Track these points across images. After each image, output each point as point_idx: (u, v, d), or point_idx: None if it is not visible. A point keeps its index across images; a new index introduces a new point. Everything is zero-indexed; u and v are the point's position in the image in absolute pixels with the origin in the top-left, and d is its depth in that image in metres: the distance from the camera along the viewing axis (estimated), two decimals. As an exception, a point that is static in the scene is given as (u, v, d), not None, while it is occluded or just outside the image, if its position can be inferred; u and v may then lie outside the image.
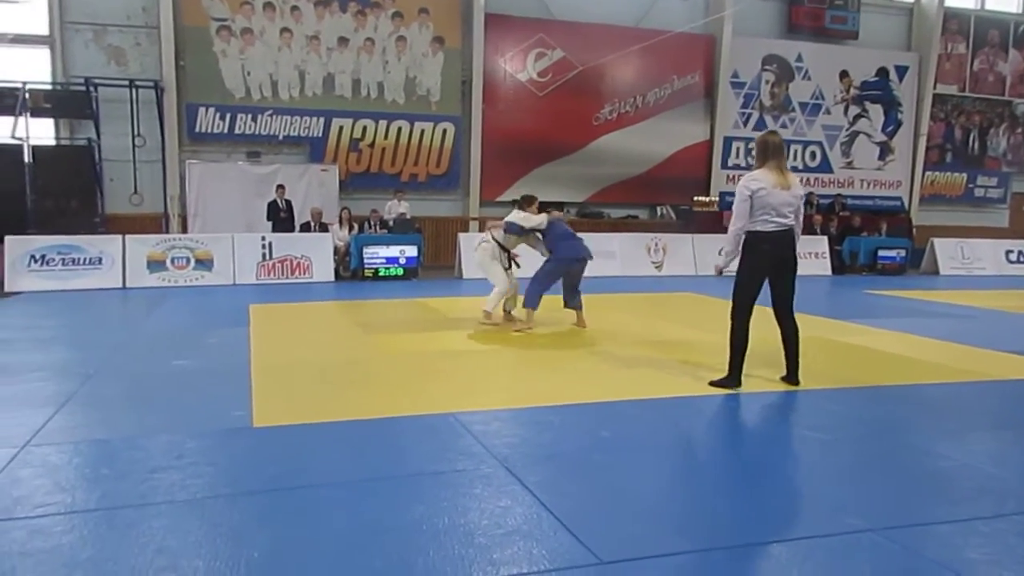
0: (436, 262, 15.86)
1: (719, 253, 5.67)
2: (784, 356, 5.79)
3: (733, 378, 5.65)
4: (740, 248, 5.57)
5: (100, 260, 12.49)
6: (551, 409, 4.95)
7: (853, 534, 3.11)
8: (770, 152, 5.45)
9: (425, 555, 2.85)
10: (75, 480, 3.65)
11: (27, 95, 13.95)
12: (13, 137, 13.88)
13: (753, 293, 5.61)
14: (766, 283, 5.67)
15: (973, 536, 3.16)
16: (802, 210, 5.60)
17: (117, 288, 12.29)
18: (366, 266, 13.58)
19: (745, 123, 19.27)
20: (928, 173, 21.00)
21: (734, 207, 5.51)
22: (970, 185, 21.60)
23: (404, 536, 3.01)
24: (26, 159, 14.07)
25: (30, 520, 3.14)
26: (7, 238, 12.19)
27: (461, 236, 14.98)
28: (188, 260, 12.88)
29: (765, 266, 5.53)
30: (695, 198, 17.93)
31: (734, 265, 5.76)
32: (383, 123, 16.59)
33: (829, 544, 3.03)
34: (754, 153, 5.61)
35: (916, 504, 3.51)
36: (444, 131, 17.00)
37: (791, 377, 5.76)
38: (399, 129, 16.69)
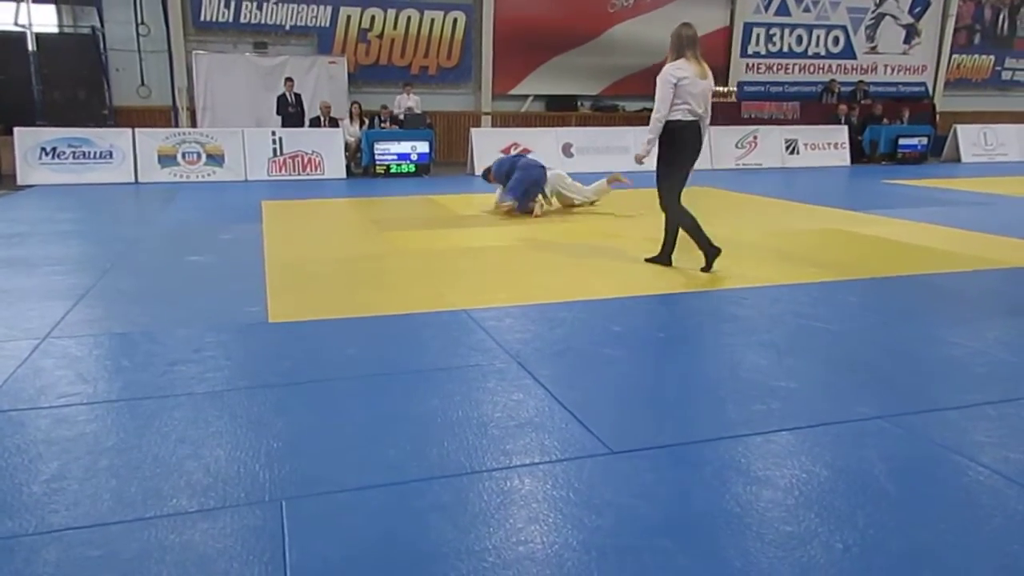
0: (448, 158, 15.67)
1: (646, 143, 5.76)
2: (663, 241, 6.07)
3: (712, 248, 5.85)
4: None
5: (111, 154, 12.43)
6: (563, 305, 4.97)
7: (861, 421, 3.15)
8: (685, 44, 5.62)
9: (439, 445, 2.91)
10: (96, 371, 3.73)
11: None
12: (16, 24, 13.54)
13: (679, 182, 5.82)
14: None
15: (981, 420, 3.20)
16: (711, 101, 5.77)
17: (129, 183, 12.27)
18: (378, 162, 13.45)
19: (767, 7, 18.50)
20: (955, 56, 20.25)
21: (658, 94, 5.60)
22: (997, 68, 20.87)
23: (418, 427, 3.08)
24: (30, 47, 13.75)
25: (54, 409, 3.23)
26: (16, 130, 12.10)
27: (474, 131, 14.74)
28: (199, 155, 12.80)
29: (687, 155, 5.72)
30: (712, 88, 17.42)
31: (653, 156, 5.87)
32: (392, 12, 16.06)
33: (837, 431, 3.07)
34: (669, 46, 5.75)
35: (926, 391, 3.54)
36: (455, 20, 16.45)
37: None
38: (408, 18, 16.17)
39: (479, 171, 13.06)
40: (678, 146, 5.67)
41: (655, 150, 5.79)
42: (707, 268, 5.88)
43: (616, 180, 9.24)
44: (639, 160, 5.95)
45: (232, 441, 2.94)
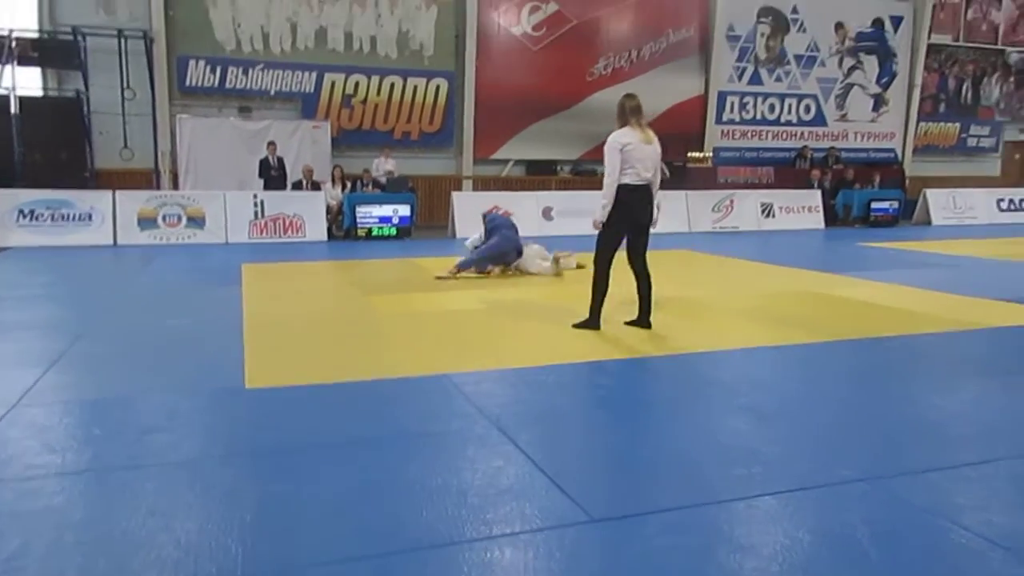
0: (430, 221, 15.76)
1: (601, 208, 5.91)
2: (638, 303, 6.14)
3: (593, 320, 6.04)
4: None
5: (90, 216, 12.39)
6: (542, 369, 4.95)
7: (843, 485, 3.13)
8: (629, 112, 5.81)
9: (419, 515, 2.85)
10: (65, 441, 3.65)
11: (13, 43, 13.65)
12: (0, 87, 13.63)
13: (615, 243, 5.96)
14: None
15: (962, 482, 3.20)
16: (660, 166, 5.95)
17: (108, 245, 12.21)
18: (359, 225, 13.51)
19: (740, 77, 19.05)
20: (922, 124, 20.89)
21: (607, 161, 5.79)
22: (963, 135, 21.51)
23: (398, 496, 3.02)
24: (13, 110, 13.83)
25: (20, 482, 3.13)
26: None
27: (455, 195, 14.89)
28: (180, 217, 12.80)
29: (627, 218, 5.86)
30: (689, 154, 17.80)
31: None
32: (376, 78, 16.34)
33: (819, 495, 3.05)
34: (615, 115, 5.92)
35: (906, 453, 3.53)
36: (437, 87, 16.77)
37: (643, 320, 6.11)
38: (392, 85, 16.46)
39: (460, 234, 13.27)
40: (620, 209, 5.82)
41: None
42: (578, 325, 6.07)
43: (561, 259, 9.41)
44: (596, 226, 6.02)
45: (204, 513, 2.86)
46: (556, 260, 9.28)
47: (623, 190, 5.77)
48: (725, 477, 3.23)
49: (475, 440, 3.66)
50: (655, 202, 5.98)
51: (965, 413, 4.12)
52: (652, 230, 6.09)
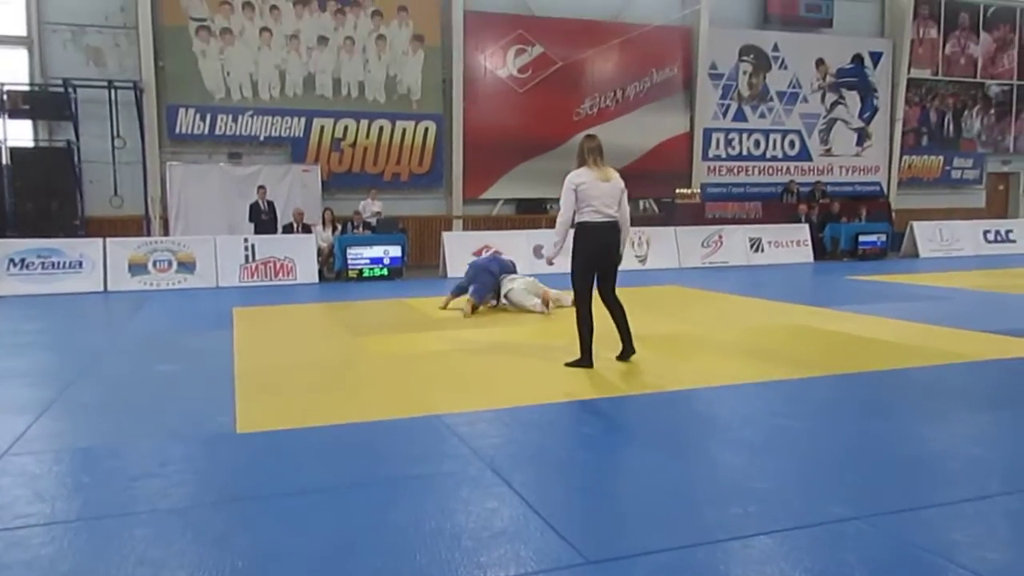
0: (421, 261, 15.81)
1: (552, 245, 6.22)
2: (618, 335, 6.22)
3: (585, 359, 6.08)
4: (566, 239, 6.12)
5: (80, 264, 12.38)
6: (535, 408, 4.95)
7: (838, 523, 3.12)
8: (586, 153, 5.99)
9: (412, 560, 2.83)
10: (55, 489, 3.61)
11: (5, 96, 13.81)
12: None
13: (588, 280, 6.07)
14: None
15: (958, 519, 3.19)
16: (626, 203, 6.09)
17: (98, 292, 12.19)
18: (350, 267, 13.53)
19: (724, 114, 19.34)
20: (905, 157, 21.19)
21: (561, 201, 6.01)
22: (947, 167, 21.81)
23: (391, 541, 3.00)
24: (4, 161, 13.96)
25: (8, 532, 3.10)
26: None
27: (445, 235, 14.96)
28: (170, 263, 12.80)
29: (592, 253, 5.99)
30: (677, 190, 17.97)
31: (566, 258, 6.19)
32: (364, 122, 16.52)
33: (814, 534, 3.04)
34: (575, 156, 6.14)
35: (901, 489, 3.52)
36: (426, 129, 16.95)
37: (625, 350, 6.21)
38: (380, 128, 16.62)
39: (451, 273, 13.38)
40: (581, 245, 5.98)
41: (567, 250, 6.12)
42: (571, 364, 6.12)
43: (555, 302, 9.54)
44: (549, 262, 6.33)
45: (195, 561, 2.83)
46: (546, 303, 9.33)
47: (585, 228, 5.95)
48: (720, 516, 3.22)
49: (468, 481, 3.64)
50: (622, 238, 6.10)
51: (958, 447, 4.12)
52: (621, 266, 6.19)
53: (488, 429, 4.49)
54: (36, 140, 14.74)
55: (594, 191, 5.90)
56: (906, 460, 3.95)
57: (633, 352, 6.21)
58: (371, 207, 15.25)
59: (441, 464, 3.89)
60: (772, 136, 19.81)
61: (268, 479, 3.71)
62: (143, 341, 7.88)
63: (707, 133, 19.16)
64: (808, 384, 5.56)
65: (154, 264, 12.71)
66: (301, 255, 13.54)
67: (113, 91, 14.58)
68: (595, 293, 6.12)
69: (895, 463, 3.90)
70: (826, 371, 5.93)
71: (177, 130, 15.30)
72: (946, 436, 4.31)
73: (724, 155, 19.38)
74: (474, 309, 9.21)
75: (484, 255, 10.61)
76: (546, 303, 9.31)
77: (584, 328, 6.09)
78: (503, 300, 9.54)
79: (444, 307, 9.59)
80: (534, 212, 17.72)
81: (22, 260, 12.11)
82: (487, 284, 9.46)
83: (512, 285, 9.49)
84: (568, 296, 9.59)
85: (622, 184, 6.06)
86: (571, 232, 6.09)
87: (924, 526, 3.12)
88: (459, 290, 9.63)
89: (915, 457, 4.01)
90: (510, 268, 9.98)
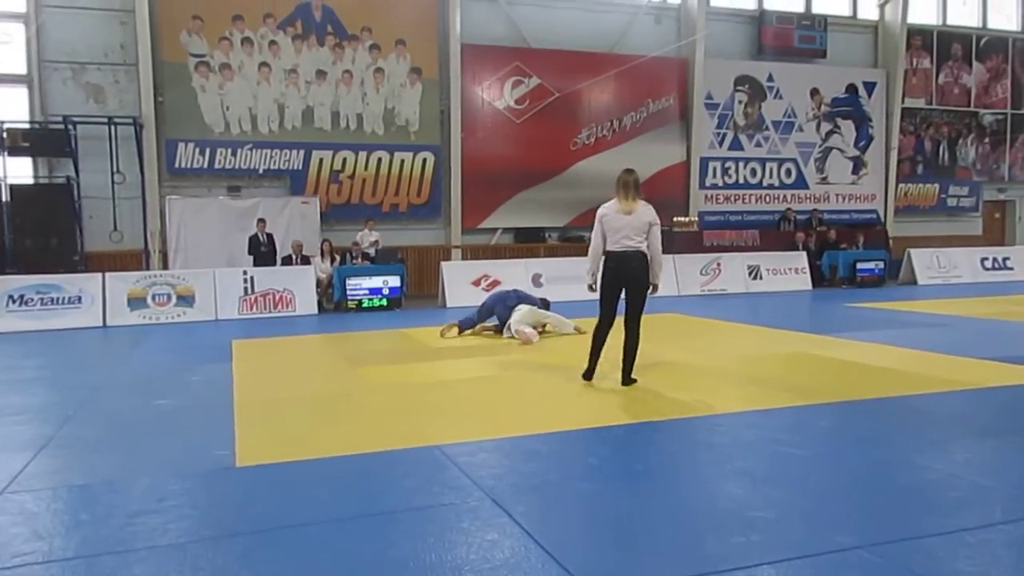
0: (420, 291, 15.84)
1: (587, 273, 6.63)
2: (621, 359, 6.47)
3: (589, 371, 6.59)
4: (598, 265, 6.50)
5: (79, 299, 12.38)
6: (536, 437, 4.93)
7: (841, 552, 3.10)
8: (618, 187, 6.42)
9: (412, 592, 2.81)
10: (53, 527, 3.59)
11: (5, 134, 13.89)
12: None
13: (606, 303, 6.47)
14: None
15: (961, 547, 3.17)
16: (655, 234, 6.39)
17: (97, 327, 12.18)
18: (349, 297, 13.54)
19: (721, 143, 19.49)
20: (901, 185, 21.32)
21: (593, 231, 6.53)
22: (942, 195, 21.92)
23: (391, 574, 2.97)
24: (3, 198, 14.02)
25: (7, 571, 3.08)
26: None
27: (444, 265, 15.00)
28: (169, 296, 12.80)
29: (612, 280, 6.38)
30: (675, 218, 18.04)
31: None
32: (363, 154, 16.63)
33: (818, 563, 3.02)
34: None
35: (903, 518, 3.51)
36: (424, 160, 17.06)
37: (624, 373, 6.46)
38: (379, 160, 16.73)
39: (451, 303, 13.46)
40: (603, 271, 6.43)
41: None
42: (586, 377, 6.58)
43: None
44: (590, 288, 6.60)
45: (195, 597, 2.81)
46: (521, 335, 9.42)
47: (607, 256, 6.37)
48: (723, 545, 3.20)
49: (469, 513, 3.62)
50: (650, 266, 6.37)
51: (960, 475, 4.10)
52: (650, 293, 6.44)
53: (488, 459, 4.48)
54: (36, 177, 14.82)
55: (616, 223, 6.30)
56: (908, 488, 3.94)
57: (630, 381, 6.40)
58: (368, 237, 15.31)
59: (441, 495, 3.87)
60: (768, 164, 19.94)
61: (267, 513, 3.69)
62: (142, 376, 7.87)
63: (704, 162, 19.29)
64: (809, 412, 5.55)
65: (153, 298, 12.71)
66: (300, 286, 13.56)
67: (113, 127, 14.69)
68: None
69: (897, 491, 3.88)
70: (827, 399, 5.92)
71: (176, 164, 15.39)
72: (948, 464, 4.30)
73: (721, 183, 19.51)
74: (460, 331, 9.81)
75: (498, 289, 10.95)
76: (536, 331, 9.48)
77: (592, 344, 6.53)
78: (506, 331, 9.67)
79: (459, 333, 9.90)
80: (533, 241, 17.79)
81: (21, 296, 12.11)
82: (501, 315, 9.81)
83: (516, 315, 9.60)
84: (571, 324, 9.70)
85: (648, 217, 6.35)
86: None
87: (928, 555, 3.10)
88: (469, 323, 9.98)
89: (917, 485, 3.99)
90: (528, 299, 10.15)
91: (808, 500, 3.77)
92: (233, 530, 3.48)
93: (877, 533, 3.29)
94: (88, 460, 4.74)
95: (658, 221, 6.42)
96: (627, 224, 6.27)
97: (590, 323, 9.67)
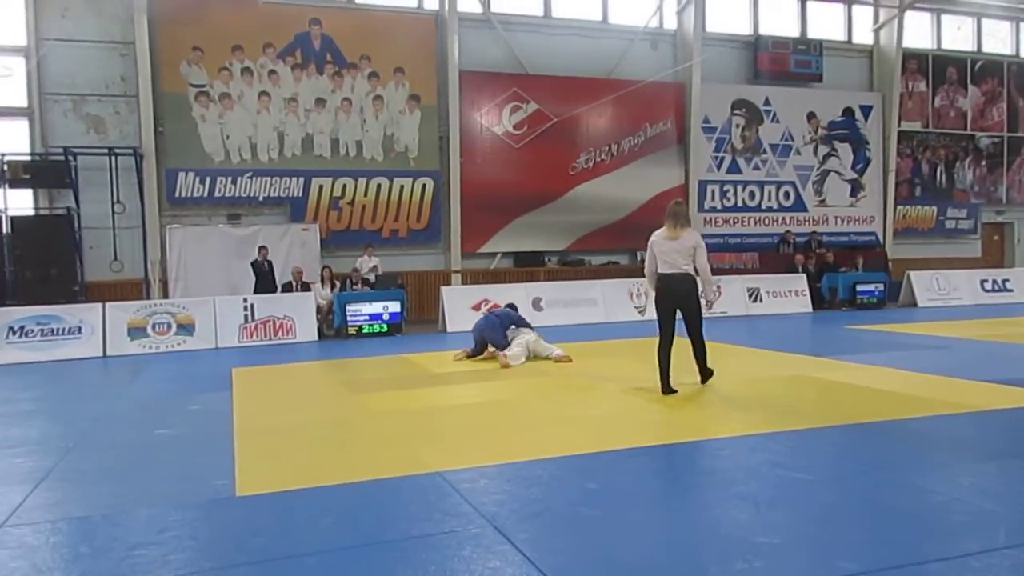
0: (420, 316, 15.83)
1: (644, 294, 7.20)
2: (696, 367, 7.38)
3: (663, 387, 7.07)
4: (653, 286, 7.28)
5: (80, 329, 12.37)
6: (538, 462, 4.91)
7: (846, 579, 3.09)
8: (667, 216, 7.15)
9: (414, 623, 2.79)
10: (53, 561, 3.56)
11: (5, 166, 13.95)
12: (-9, 209, 13.87)
13: (662, 321, 7.19)
14: None
15: (966, 573, 3.15)
16: (701, 257, 7.07)
17: (97, 357, 12.16)
18: (349, 323, 13.54)
19: (719, 166, 19.59)
20: (899, 207, 21.38)
21: (646, 255, 7.33)
22: (941, 217, 21.98)
23: (392, 604, 2.95)
24: (4, 230, 14.05)
25: (6, 606, 3.06)
26: None
27: (444, 289, 15.01)
28: (169, 325, 12.80)
29: (661, 300, 7.19)
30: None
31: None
32: (362, 180, 16.70)
33: (822, 591, 3.00)
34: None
35: (907, 542, 3.49)
36: (423, 186, 17.14)
37: (701, 375, 7.45)
38: (378, 186, 16.81)
39: (451, 328, 13.45)
40: (657, 293, 7.21)
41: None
42: (664, 392, 7.05)
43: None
44: (641, 309, 7.19)
45: (195, 630, 2.79)
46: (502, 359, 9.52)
47: (658, 278, 7.15)
48: (726, 572, 3.18)
49: (471, 540, 3.60)
50: (699, 287, 7.14)
51: (963, 499, 4.08)
52: (705, 312, 7.24)
53: (490, 485, 4.46)
54: (36, 208, 14.86)
55: (661, 248, 7.10)
56: (912, 512, 3.92)
57: (708, 376, 7.45)
58: (368, 263, 15.35)
59: (443, 523, 3.85)
60: (767, 187, 20.03)
61: (268, 543, 3.67)
62: (142, 405, 7.85)
63: (702, 185, 19.37)
64: (811, 435, 5.53)
65: (153, 327, 12.71)
66: (300, 313, 13.56)
67: (113, 157, 14.75)
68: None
69: (900, 515, 3.86)
70: (829, 422, 5.90)
71: (176, 193, 15.45)
72: (951, 488, 4.27)
73: (719, 206, 19.58)
74: (470, 356, 9.86)
75: (478, 320, 10.76)
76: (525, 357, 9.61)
77: (659, 363, 7.09)
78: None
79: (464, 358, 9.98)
80: (532, 265, 17.81)
81: (21, 328, 12.10)
82: (497, 340, 9.80)
83: (517, 348, 9.67)
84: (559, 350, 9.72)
85: (693, 242, 7.06)
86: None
87: (933, 580, 3.08)
88: (476, 351, 9.99)
89: (920, 509, 3.97)
90: (516, 320, 10.15)
91: (812, 525, 3.75)
92: (233, 561, 3.46)
93: (881, 558, 3.27)
94: (88, 492, 4.72)
95: (702, 244, 7.11)
96: (673, 248, 7.03)
97: (577, 349, 9.81)
